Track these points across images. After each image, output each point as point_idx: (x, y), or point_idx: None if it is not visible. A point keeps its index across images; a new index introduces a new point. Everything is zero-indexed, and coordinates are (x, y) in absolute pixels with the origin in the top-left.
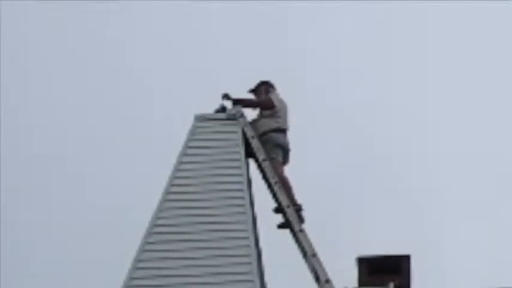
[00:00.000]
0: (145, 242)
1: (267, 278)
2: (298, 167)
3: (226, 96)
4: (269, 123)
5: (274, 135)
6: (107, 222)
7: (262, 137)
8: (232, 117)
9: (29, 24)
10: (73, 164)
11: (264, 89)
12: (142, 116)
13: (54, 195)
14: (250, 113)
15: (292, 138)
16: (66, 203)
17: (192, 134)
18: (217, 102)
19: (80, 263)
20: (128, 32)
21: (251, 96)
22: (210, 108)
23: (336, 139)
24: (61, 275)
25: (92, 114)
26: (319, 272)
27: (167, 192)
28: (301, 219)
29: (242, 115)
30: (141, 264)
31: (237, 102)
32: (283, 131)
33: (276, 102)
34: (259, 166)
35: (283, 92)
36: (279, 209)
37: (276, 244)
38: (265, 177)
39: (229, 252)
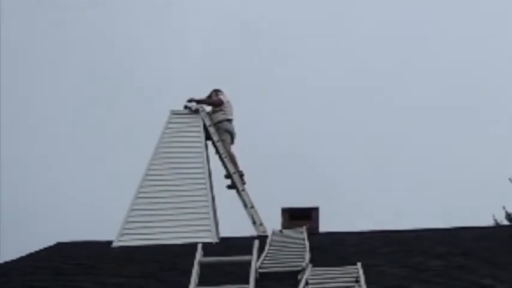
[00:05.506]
0: (139, 191)
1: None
2: None
3: (191, 101)
4: (220, 116)
5: (224, 123)
6: None
7: (216, 125)
8: (196, 112)
9: None
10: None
11: (214, 94)
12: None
13: None
14: (208, 109)
15: None
16: None
17: (168, 123)
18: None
19: None
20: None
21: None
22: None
23: None
24: None
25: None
26: (255, 218)
27: (154, 158)
28: (243, 182)
29: (203, 110)
30: (135, 207)
31: (199, 102)
32: (230, 120)
33: (224, 101)
34: (214, 145)
35: None
36: (227, 175)
37: (226, 198)
38: (218, 153)
39: (191, 198)
